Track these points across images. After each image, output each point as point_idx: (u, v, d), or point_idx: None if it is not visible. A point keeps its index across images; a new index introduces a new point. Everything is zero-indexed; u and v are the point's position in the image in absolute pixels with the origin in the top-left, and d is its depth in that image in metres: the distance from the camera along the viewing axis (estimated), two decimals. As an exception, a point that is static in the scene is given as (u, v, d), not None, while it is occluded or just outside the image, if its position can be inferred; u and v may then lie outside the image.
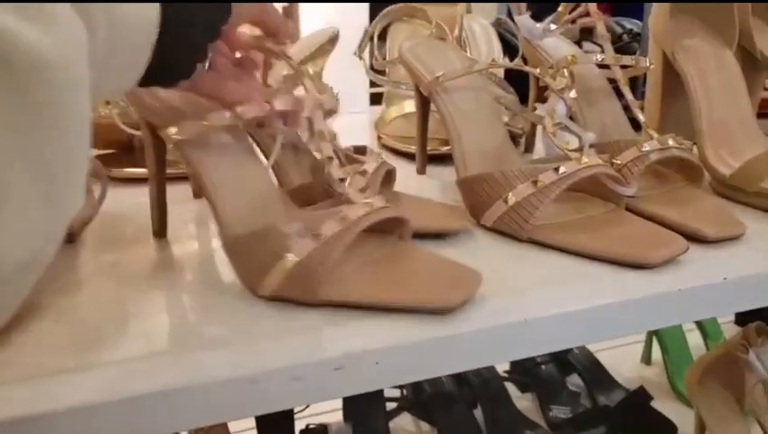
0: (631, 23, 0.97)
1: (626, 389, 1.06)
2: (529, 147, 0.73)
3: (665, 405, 1.03)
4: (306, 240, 0.38)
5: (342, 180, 0.44)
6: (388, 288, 0.39)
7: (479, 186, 0.50)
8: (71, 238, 0.49)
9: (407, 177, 0.65)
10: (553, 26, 0.64)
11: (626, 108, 0.62)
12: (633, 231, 0.47)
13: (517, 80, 0.80)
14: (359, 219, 0.39)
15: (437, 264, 0.42)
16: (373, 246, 0.43)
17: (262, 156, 0.50)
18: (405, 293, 0.39)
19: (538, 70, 0.55)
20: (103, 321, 0.39)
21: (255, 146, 0.50)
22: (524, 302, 0.40)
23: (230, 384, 0.33)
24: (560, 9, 0.63)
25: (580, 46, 1.05)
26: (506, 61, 0.81)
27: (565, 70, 0.56)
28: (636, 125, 0.60)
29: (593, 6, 0.60)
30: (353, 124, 0.91)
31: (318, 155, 0.45)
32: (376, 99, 1.00)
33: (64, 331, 0.38)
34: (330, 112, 0.47)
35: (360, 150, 0.53)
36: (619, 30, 0.96)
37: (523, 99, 0.72)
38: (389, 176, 0.52)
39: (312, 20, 2.45)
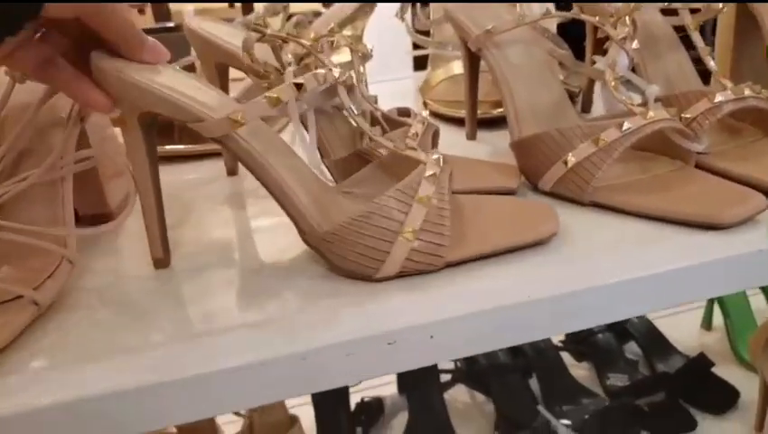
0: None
1: (686, 356, 1.02)
2: (586, 107, 0.69)
3: (727, 371, 0.99)
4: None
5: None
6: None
7: (535, 147, 0.47)
8: (108, 218, 0.46)
9: (456, 144, 0.62)
10: (611, -29, 0.59)
11: (695, 61, 0.57)
12: (705, 190, 0.44)
13: (571, 37, 0.75)
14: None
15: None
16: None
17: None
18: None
19: (596, 18, 0.51)
20: (157, 300, 0.38)
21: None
22: (587, 269, 0.38)
23: (283, 361, 0.32)
24: (619, -47, 0.58)
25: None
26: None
27: (627, 18, 0.51)
28: (706, 78, 0.56)
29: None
30: (396, 90, 0.88)
31: (354, 123, 0.43)
32: (420, 64, 0.97)
33: (119, 311, 0.37)
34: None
35: (404, 112, 0.51)
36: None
37: (578, 58, 0.67)
38: (434, 138, 0.50)
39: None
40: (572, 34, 0.74)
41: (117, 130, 0.51)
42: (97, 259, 0.44)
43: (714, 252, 0.38)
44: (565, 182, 0.45)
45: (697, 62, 0.56)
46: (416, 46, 0.85)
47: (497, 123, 0.65)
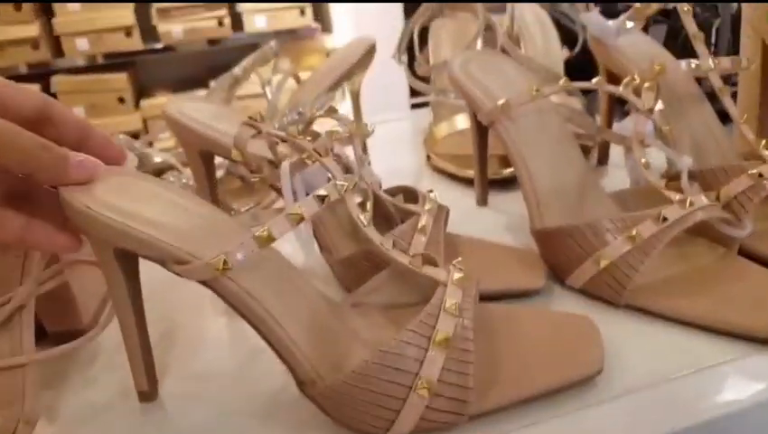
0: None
1: None
2: (602, 159, 0.64)
3: None
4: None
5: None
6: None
7: (561, 242, 0.42)
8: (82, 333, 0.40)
9: (465, 210, 0.58)
10: (629, 24, 0.55)
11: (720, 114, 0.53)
12: (756, 288, 0.39)
13: (580, 65, 0.71)
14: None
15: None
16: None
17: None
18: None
19: (620, 87, 0.47)
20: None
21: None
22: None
23: None
24: (638, 5, 0.53)
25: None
26: (574, 81, 0.71)
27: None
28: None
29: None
30: (392, 134, 0.82)
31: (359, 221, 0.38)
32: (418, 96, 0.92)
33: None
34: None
35: (410, 194, 0.46)
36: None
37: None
38: (445, 219, 0.45)
39: (339, 12, 2.35)
40: (579, 67, 0.70)
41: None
42: (73, 386, 0.39)
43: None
44: (597, 283, 0.40)
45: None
46: (414, 92, 0.80)
47: (508, 184, 0.60)
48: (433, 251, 0.40)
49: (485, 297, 0.39)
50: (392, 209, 0.46)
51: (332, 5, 2.32)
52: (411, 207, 0.45)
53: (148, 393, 0.37)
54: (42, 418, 0.36)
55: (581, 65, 0.68)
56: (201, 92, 1.64)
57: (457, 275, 0.35)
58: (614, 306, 0.41)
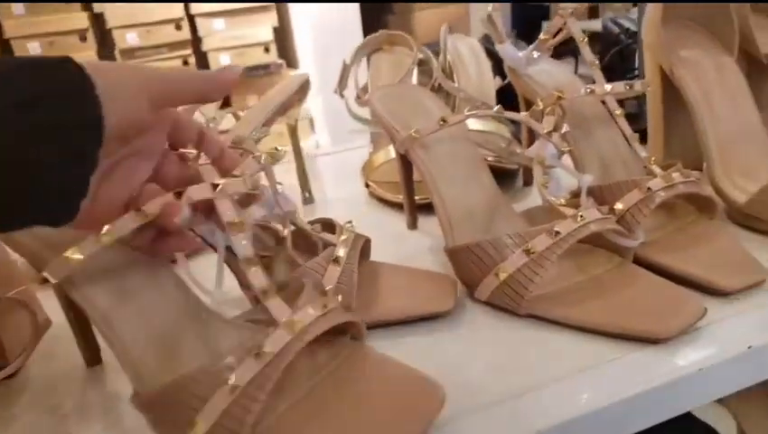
0: (629, 21, 0.90)
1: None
2: (528, 181, 0.68)
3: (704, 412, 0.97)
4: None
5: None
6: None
7: (467, 257, 0.45)
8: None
9: (396, 234, 0.61)
10: (536, 54, 0.59)
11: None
12: (643, 294, 0.43)
13: (511, 93, 0.75)
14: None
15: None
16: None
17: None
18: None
19: (522, 114, 0.51)
20: None
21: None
22: (524, 406, 0.36)
23: None
24: (542, 36, 0.58)
25: (575, 56, 1.00)
26: (488, 108, 0.76)
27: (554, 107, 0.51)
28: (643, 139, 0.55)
29: (576, 30, 0.55)
30: (348, 162, 0.86)
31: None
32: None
33: None
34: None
35: (328, 225, 0.49)
36: (616, 29, 0.90)
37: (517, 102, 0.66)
38: (365, 248, 0.49)
39: (303, 47, 2.40)
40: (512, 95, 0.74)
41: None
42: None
43: (654, 376, 0.37)
44: (499, 294, 0.44)
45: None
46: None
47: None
48: (346, 281, 0.43)
49: (398, 323, 0.44)
50: (317, 239, 0.49)
51: (296, 42, 2.38)
52: (328, 237, 0.47)
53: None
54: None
55: (514, 94, 0.73)
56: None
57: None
58: (518, 316, 0.44)
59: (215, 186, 0.35)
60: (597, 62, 0.54)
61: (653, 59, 0.60)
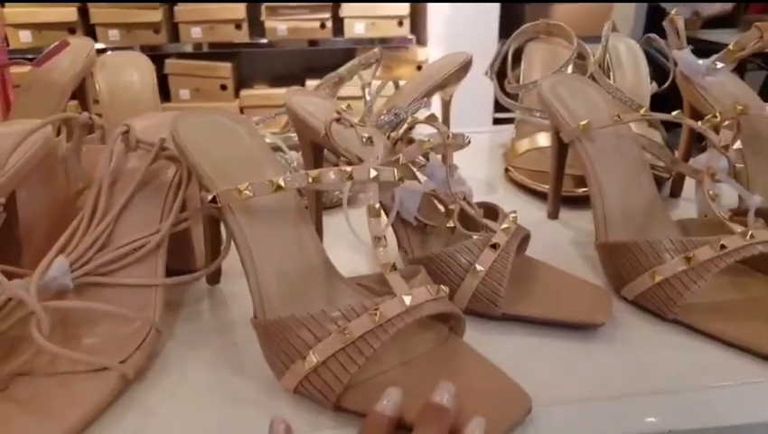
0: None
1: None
2: (675, 192, 0.66)
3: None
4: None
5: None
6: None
7: (622, 255, 0.45)
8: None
9: (537, 222, 0.62)
10: (719, 64, 0.57)
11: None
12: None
13: (665, 99, 0.73)
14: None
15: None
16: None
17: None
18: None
19: (699, 123, 0.50)
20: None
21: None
22: (651, 410, 0.36)
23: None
24: (731, 47, 0.56)
25: (742, 70, 0.95)
26: (650, 107, 0.74)
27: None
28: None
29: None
30: (473, 145, 0.87)
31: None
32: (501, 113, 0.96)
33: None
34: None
35: (491, 210, 0.49)
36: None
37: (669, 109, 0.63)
38: (525, 242, 0.48)
39: (436, 27, 2.41)
40: (665, 102, 0.72)
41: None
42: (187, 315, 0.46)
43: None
44: (649, 296, 0.44)
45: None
46: (499, 106, 0.84)
47: (579, 202, 0.63)
48: (499, 268, 0.43)
49: (545, 323, 0.43)
50: (480, 222, 0.48)
51: (429, 20, 2.39)
52: (488, 223, 0.47)
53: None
54: (165, 332, 0.43)
55: (668, 100, 0.71)
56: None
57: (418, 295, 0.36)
58: (662, 319, 0.44)
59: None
60: (787, 82, 0.52)
61: None
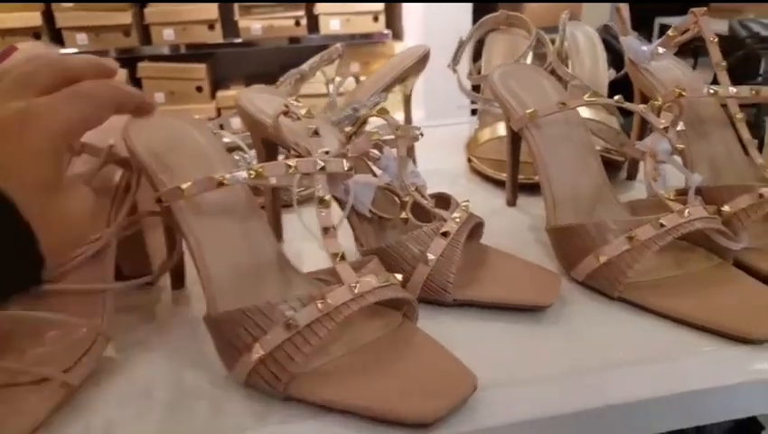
0: (759, 25, 0.87)
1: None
2: (632, 174, 0.68)
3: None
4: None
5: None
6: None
7: (569, 238, 0.47)
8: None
9: (496, 210, 0.63)
10: (661, 50, 0.59)
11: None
12: (738, 296, 0.43)
13: (624, 86, 0.75)
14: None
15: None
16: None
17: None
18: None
19: (641, 107, 0.51)
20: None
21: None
22: (598, 384, 0.38)
23: None
24: (670, 33, 0.58)
25: (695, 56, 0.97)
26: (604, 96, 0.76)
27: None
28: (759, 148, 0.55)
29: (708, 30, 0.55)
30: (443, 137, 0.88)
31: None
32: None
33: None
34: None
35: (443, 200, 0.50)
36: (743, 33, 0.87)
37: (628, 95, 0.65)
38: (477, 229, 0.50)
39: (411, 24, 2.41)
40: (624, 87, 0.74)
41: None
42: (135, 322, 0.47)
43: (732, 375, 0.38)
44: (596, 276, 0.46)
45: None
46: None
47: (538, 189, 0.65)
48: (449, 255, 0.45)
49: (496, 307, 0.45)
50: (432, 212, 0.49)
51: (404, 14, 2.40)
52: (440, 212, 0.48)
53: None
54: (120, 335, 0.44)
55: (626, 87, 0.73)
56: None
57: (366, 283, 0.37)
58: (609, 298, 0.46)
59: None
60: (724, 64, 0.54)
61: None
